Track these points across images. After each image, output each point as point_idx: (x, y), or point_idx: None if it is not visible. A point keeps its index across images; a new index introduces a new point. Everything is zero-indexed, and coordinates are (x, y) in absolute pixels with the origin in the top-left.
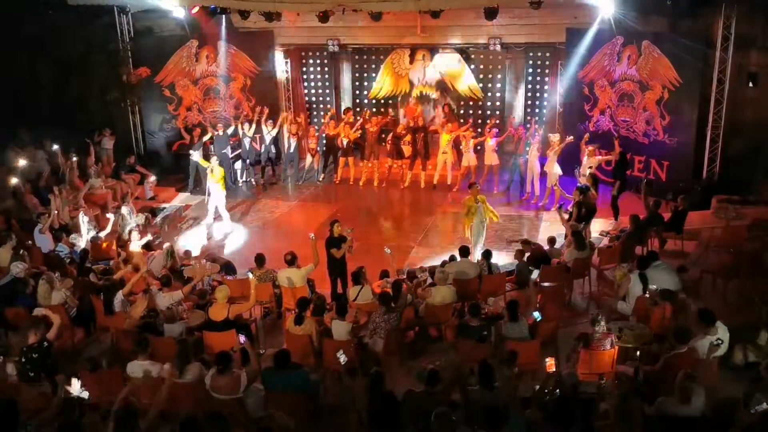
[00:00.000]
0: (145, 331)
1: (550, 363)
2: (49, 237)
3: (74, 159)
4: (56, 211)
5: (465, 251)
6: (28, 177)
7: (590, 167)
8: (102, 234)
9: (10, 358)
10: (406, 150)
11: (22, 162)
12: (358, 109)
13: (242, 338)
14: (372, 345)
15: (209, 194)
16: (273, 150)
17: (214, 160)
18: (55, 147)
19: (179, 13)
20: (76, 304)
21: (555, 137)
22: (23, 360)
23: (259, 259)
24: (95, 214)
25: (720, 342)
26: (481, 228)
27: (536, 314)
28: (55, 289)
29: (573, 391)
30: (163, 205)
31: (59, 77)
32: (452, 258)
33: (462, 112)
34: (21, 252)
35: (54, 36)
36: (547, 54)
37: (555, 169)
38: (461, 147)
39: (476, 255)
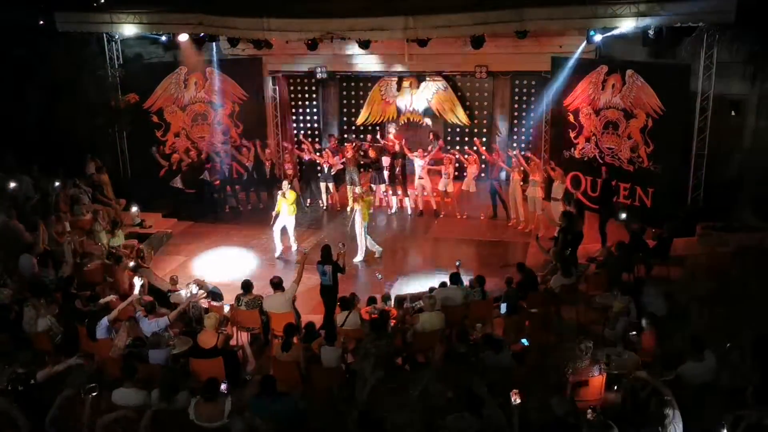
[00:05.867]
0: (131, 358)
1: (515, 395)
2: (33, 262)
3: (57, 184)
4: (43, 237)
5: (454, 278)
6: (14, 203)
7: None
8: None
9: None
10: (386, 176)
11: (9, 187)
12: (345, 136)
13: (224, 386)
14: (360, 371)
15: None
16: (256, 176)
17: (285, 184)
18: (57, 184)
19: (168, 40)
20: (62, 330)
21: (538, 163)
22: (9, 389)
23: (246, 286)
24: (80, 239)
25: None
26: (364, 225)
27: (524, 340)
28: (40, 315)
29: (559, 419)
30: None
31: (48, 102)
32: (443, 284)
33: (449, 138)
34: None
35: (43, 61)
36: (533, 82)
37: (537, 194)
38: (442, 171)
39: (362, 246)
